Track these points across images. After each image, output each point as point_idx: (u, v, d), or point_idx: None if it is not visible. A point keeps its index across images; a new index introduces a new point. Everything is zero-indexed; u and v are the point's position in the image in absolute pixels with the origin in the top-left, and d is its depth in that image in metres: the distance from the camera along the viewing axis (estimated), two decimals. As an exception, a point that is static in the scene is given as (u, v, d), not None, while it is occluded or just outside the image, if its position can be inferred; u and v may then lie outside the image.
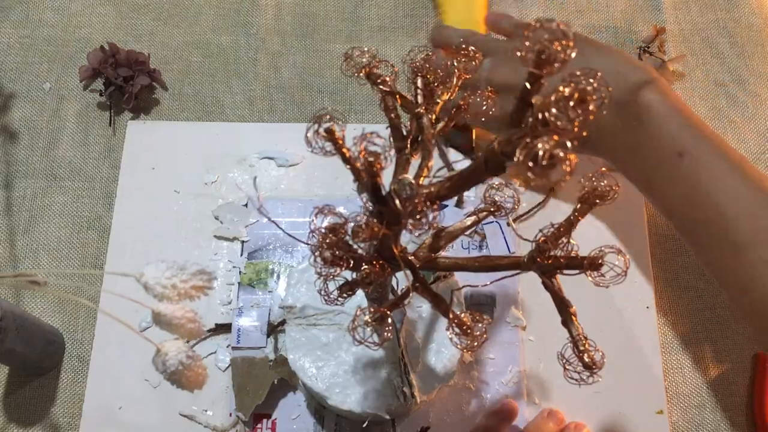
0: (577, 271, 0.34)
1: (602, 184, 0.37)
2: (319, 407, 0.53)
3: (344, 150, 0.31)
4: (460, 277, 0.51)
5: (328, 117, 0.31)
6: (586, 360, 0.34)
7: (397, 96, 0.40)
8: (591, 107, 0.26)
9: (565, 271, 0.35)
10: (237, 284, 0.56)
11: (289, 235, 0.46)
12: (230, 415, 0.52)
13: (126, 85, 0.62)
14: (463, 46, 0.40)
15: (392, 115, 0.40)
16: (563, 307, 0.36)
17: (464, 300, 0.53)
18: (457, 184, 0.33)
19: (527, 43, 0.27)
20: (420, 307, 0.51)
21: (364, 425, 0.49)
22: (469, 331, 0.36)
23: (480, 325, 0.36)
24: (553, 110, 0.25)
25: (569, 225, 0.36)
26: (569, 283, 0.36)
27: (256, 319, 0.54)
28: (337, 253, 0.33)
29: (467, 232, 0.41)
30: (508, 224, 0.57)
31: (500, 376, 0.54)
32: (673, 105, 0.49)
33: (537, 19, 0.27)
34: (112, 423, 0.52)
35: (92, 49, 0.63)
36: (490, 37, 0.59)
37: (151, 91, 0.64)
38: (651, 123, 0.49)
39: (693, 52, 0.68)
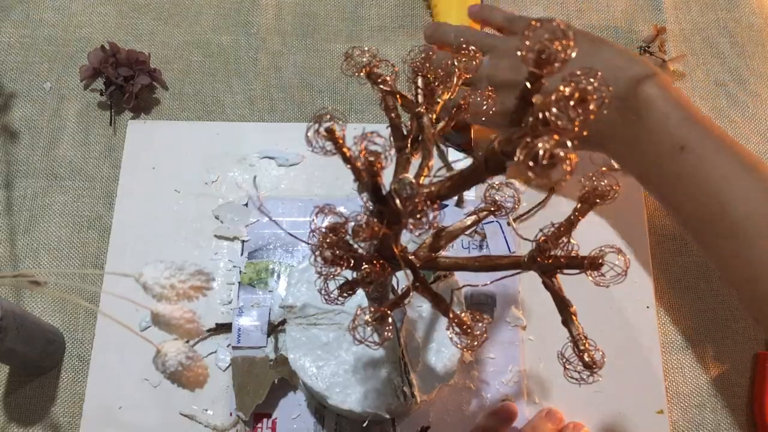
0: (578, 271, 0.34)
1: (602, 183, 0.37)
2: (319, 407, 0.53)
3: (345, 149, 0.31)
4: (461, 277, 0.51)
5: (328, 116, 0.31)
6: (587, 359, 0.34)
7: (398, 95, 0.40)
8: (591, 107, 0.26)
9: (566, 271, 0.35)
10: (237, 284, 0.56)
11: (290, 234, 0.46)
12: (231, 414, 0.52)
13: (126, 84, 0.62)
14: (464, 45, 0.40)
15: (392, 114, 0.40)
16: (563, 306, 0.36)
17: (464, 299, 0.53)
18: (458, 184, 0.33)
19: (527, 43, 0.27)
20: (420, 307, 0.51)
21: (365, 425, 0.49)
22: (469, 330, 0.36)
23: (480, 324, 0.36)
24: (554, 110, 0.25)
25: (569, 224, 0.36)
26: (569, 282, 0.36)
27: (257, 319, 0.54)
28: (337, 252, 0.33)
29: (467, 232, 0.41)
30: (509, 224, 0.57)
31: (500, 375, 0.54)
32: (673, 99, 0.49)
33: (537, 19, 0.27)
34: (112, 422, 0.52)
35: (93, 49, 0.63)
36: (486, 34, 0.59)
37: (152, 91, 0.65)
38: (651, 117, 0.49)
39: (693, 51, 0.68)
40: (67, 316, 0.56)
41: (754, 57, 0.68)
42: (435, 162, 0.60)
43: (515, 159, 0.26)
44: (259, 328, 0.53)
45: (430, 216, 0.30)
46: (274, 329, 0.54)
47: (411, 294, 0.36)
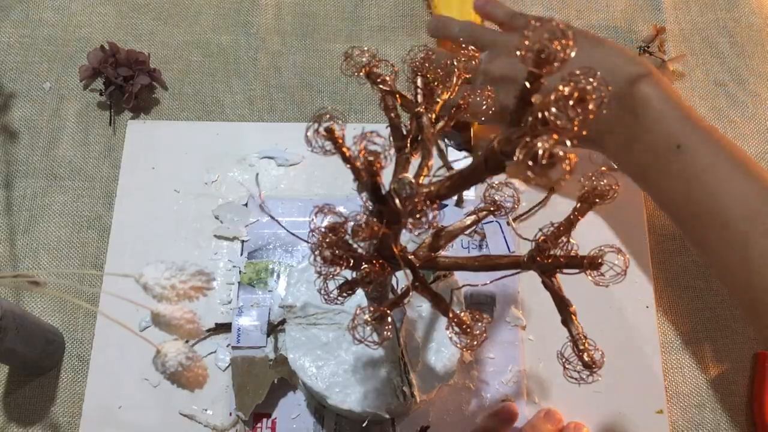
0: (577, 271, 0.34)
1: (602, 183, 0.37)
2: (319, 406, 0.53)
3: (344, 149, 0.31)
4: (460, 277, 0.51)
5: (328, 116, 0.31)
6: (586, 359, 0.34)
7: (397, 95, 0.40)
8: (590, 106, 0.26)
9: (565, 271, 0.35)
10: (237, 284, 0.56)
11: (290, 233, 0.46)
12: (230, 414, 0.52)
13: (126, 84, 0.62)
14: (463, 45, 0.40)
15: (392, 114, 0.40)
16: (563, 306, 0.36)
17: (464, 299, 0.53)
18: (457, 184, 0.33)
19: (527, 42, 0.27)
20: (420, 307, 0.51)
21: (364, 424, 0.49)
22: (468, 330, 0.36)
23: (480, 324, 0.36)
24: (553, 109, 0.25)
25: (569, 224, 0.36)
26: (569, 282, 0.36)
27: (256, 319, 0.54)
28: (336, 252, 0.33)
29: (467, 232, 0.41)
30: (508, 223, 0.57)
31: (500, 375, 0.54)
32: (670, 98, 0.49)
33: (537, 18, 0.27)
34: (112, 422, 0.52)
35: (92, 49, 0.63)
36: (488, 29, 0.59)
37: (151, 91, 0.65)
38: (647, 116, 0.49)
39: (693, 51, 0.68)
40: (66, 316, 0.56)
41: (754, 57, 0.68)
42: (434, 162, 0.60)
43: (514, 158, 0.26)
44: (258, 328, 0.54)
45: (430, 216, 0.30)
46: (273, 329, 0.54)
47: (410, 294, 0.36)
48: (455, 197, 0.59)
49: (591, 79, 0.26)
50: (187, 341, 0.35)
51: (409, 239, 0.48)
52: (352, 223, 0.31)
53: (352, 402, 0.47)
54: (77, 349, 0.55)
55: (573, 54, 0.26)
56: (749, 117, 0.65)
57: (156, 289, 0.34)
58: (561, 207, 0.59)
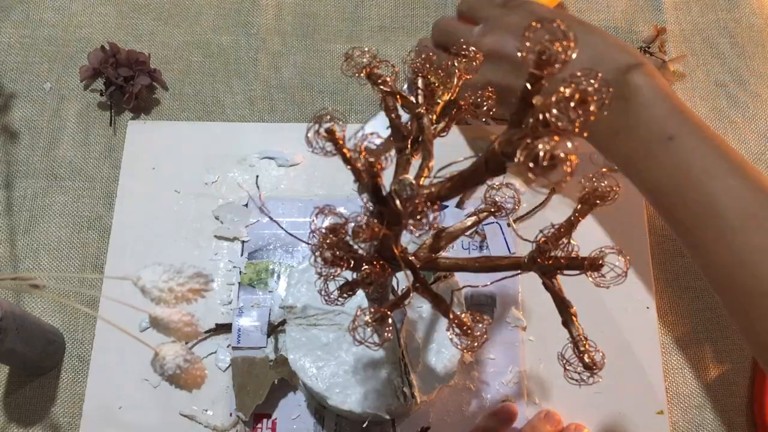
0: (578, 272, 0.34)
1: (603, 184, 0.37)
2: (319, 407, 0.53)
3: (345, 150, 0.31)
4: (461, 278, 0.51)
5: (328, 117, 0.31)
6: (587, 360, 0.34)
7: (398, 96, 0.40)
8: (592, 108, 0.26)
9: (566, 272, 0.35)
10: (237, 284, 0.56)
11: (290, 234, 0.46)
12: (230, 414, 0.52)
13: (126, 85, 0.62)
14: (464, 46, 0.40)
15: (393, 115, 0.40)
16: (563, 307, 0.36)
17: (464, 300, 0.53)
18: (458, 185, 0.33)
19: (528, 44, 0.27)
20: (420, 308, 0.51)
21: (364, 425, 0.49)
22: (469, 331, 0.36)
23: (480, 325, 0.36)
24: (554, 111, 0.25)
25: (570, 225, 0.36)
26: (569, 283, 0.36)
27: (257, 319, 0.54)
28: (337, 253, 0.33)
29: (468, 233, 0.41)
30: (509, 225, 0.57)
31: (500, 376, 0.54)
32: (661, 89, 0.49)
33: (537, 18, 0.27)
34: (112, 423, 0.52)
35: (93, 49, 0.63)
36: (490, 3, 0.58)
37: (152, 91, 0.65)
38: (638, 105, 0.49)
39: (693, 52, 0.68)
40: (67, 317, 0.56)
41: (755, 57, 0.68)
42: (435, 162, 0.60)
43: (515, 160, 0.26)
44: (259, 329, 0.53)
45: (430, 217, 0.30)
46: (274, 330, 0.54)
47: (411, 295, 0.36)
48: (457, 198, 0.59)
49: (592, 81, 0.26)
50: (186, 343, 0.35)
51: (409, 240, 0.48)
52: (352, 224, 0.31)
53: (353, 403, 0.47)
54: (77, 350, 0.55)
55: (574, 55, 0.26)
56: (750, 118, 0.65)
57: (154, 292, 0.33)
58: (562, 208, 0.59)
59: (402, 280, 0.38)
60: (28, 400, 0.54)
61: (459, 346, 0.37)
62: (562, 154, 0.24)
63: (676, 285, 0.58)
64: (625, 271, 0.34)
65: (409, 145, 0.38)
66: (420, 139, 0.38)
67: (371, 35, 0.68)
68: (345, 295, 0.36)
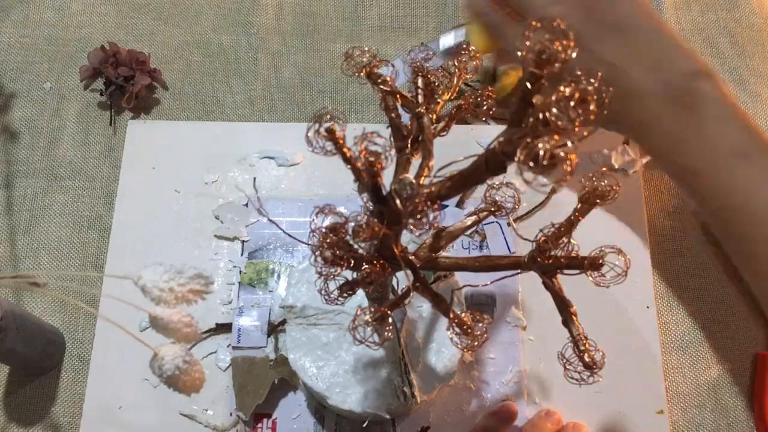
0: (578, 271, 0.34)
1: (603, 184, 0.37)
2: (319, 407, 0.53)
3: (345, 150, 0.31)
4: (461, 277, 0.51)
5: (328, 116, 0.31)
6: (587, 360, 0.34)
7: (398, 95, 0.40)
8: (592, 107, 0.26)
9: (566, 271, 0.35)
10: (237, 284, 0.56)
11: (289, 236, 0.46)
12: (231, 414, 0.52)
13: (126, 84, 0.62)
14: (464, 46, 0.40)
15: (393, 114, 0.40)
16: (564, 306, 0.36)
17: (464, 300, 0.53)
18: (458, 184, 0.33)
19: (528, 43, 0.27)
20: (420, 307, 0.51)
21: (365, 425, 0.49)
22: (469, 330, 0.36)
23: (480, 324, 0.36)
24: (554, 110, 0.25)
25: (570, 225, 0.36)
26: (569, 282, 0.36)
27: (257, 319, 0.54)
28: (337, 252, 0.33)
29: (468, 232, 0.41)
30: (509, 224, 0.57)
31: (500, 375, 0.54)
32: (732, 102, 0.48)
33: (538, 18, 0.27)
34: (112, 422, 0.52)
35: (93, 49, 0.63)
36: None
37: (152, 91, 0.65)
38: (707, 117, 0.47)
39: (693, 52, 0.68)
40: (67, 316, 0.56)
41: (754, 57, 0.68)
42: (435, 162, 0.60)
43: (516, 159, 0.26)
44: (259, 329, 0.54)
45: (431, 216, 0.30)
46: (274, 329, 0.54)
47: (411, 294, 0.36)
48: (457, 198, 0.59)
49: (592, 80, 0.26)
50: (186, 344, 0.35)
51: (409, 240, 0.48)
52: (352, 224, 0.31)
53: (353, 402, 0.47)
54: (78, 349, 0.55)
55: (574, 54, 0.26)
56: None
57: (154, 292, 0.33)
58: (562, 207, 0.59)
59: (402, 279, 0.38)
60: (28, 399, 0.54)
61: (459, 346, 0.37)
62: (562, 154, 0.24)
63: (677, 284, 0.58)
64: (625, 270, 0.34)
65: (409, 145, 0.38)
66: (420, 138, 0.38)
67: (371, 35, 0.68)
68: (345, 295, 0.36)
